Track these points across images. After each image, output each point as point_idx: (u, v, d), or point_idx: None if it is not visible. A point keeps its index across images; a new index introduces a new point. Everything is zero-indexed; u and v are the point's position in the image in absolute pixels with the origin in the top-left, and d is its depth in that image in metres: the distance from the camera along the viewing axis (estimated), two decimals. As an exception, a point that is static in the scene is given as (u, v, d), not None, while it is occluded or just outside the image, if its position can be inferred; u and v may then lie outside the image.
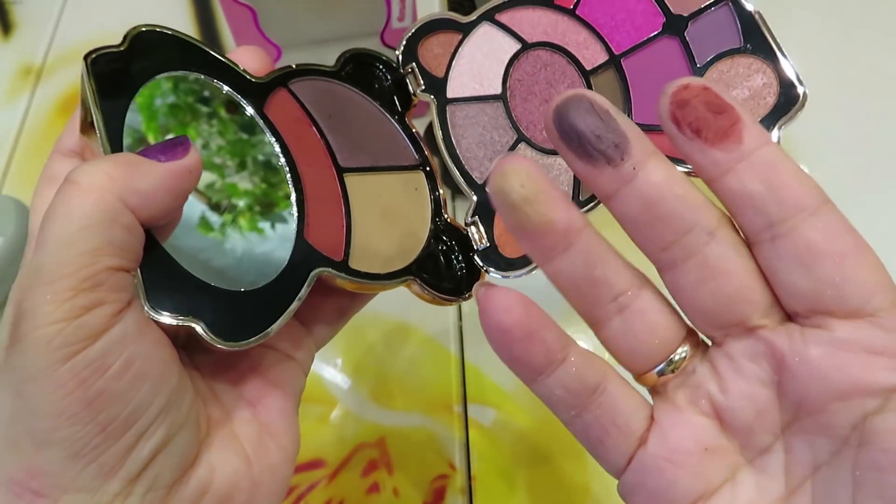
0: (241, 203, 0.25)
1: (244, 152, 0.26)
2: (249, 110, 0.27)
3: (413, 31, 0.31)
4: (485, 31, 0.30)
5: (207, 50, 0.27)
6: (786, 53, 0.26)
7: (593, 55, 0.29)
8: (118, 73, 0.25)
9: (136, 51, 0.25)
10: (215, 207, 0.25)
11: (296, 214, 0.26)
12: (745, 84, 0.26)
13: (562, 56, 0.29)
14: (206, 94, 0.26)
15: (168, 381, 0.22)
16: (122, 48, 0.25)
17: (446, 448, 0.38)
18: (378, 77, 0.31)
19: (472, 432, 0.39)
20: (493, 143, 0.29)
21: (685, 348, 0.22)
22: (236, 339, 0.23)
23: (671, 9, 0.28)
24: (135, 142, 0.24)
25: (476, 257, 0.28)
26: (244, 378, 0.25)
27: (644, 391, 0.23)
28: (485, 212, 0.28)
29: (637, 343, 0.21)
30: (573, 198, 0.28)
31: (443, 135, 0.30)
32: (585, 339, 0.24)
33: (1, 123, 0.52)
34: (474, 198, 0.29)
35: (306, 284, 0.25)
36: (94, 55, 0.24)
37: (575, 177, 0.28)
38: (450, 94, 0.30)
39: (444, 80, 0.30)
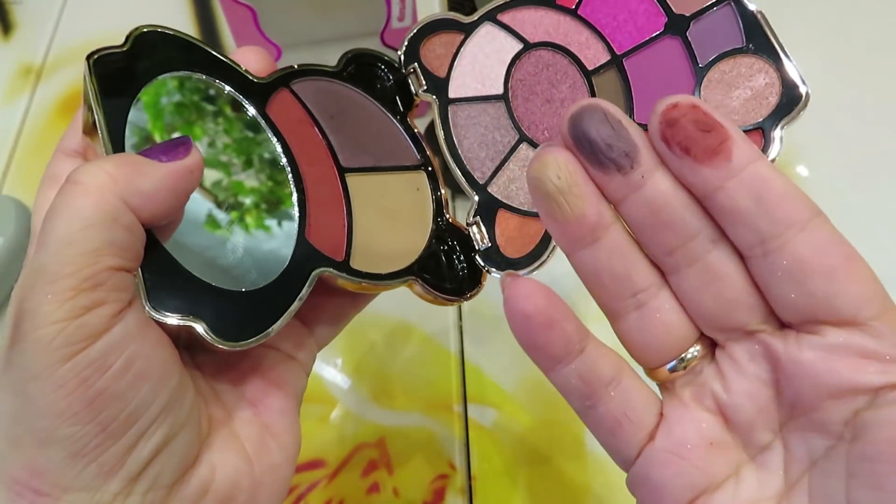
0: (248, 200, 0.26)
1: (250, 150, 0.26)
2: (251, 111, 0.27)
3: (415, 31, 0.31)
4: (487, 32, 0.30)
5: (209, 50, 0.27)
6: (788, 53, 0.26)
7: (595, 55, 0.29)
8: (120, 73, 0.25)
9: (139, 51, 0.25)
10: (222, 205, 0.25)
11: (297, 215, 0.26)
12: (747, 84, 0.26)
13: (564, 56, 0.29)
14: (212, 92, 0.26)
15: (169, 380, 0.22)
16: (124, 48, 0.25)
17: (446, 448, 0.38)
18: (380, 77, 0.31)
19: (472, 432, 0.39)
20: (495, 144, 0.29)
21: (697, 348, 0.22)
22: (236, 340, 0.23)
23: (673, 9, 0.28)
24: (141, 140, 0.24)
25: (477, 257, 0.28)
26: (246, 378, 0.25)
27: (654, 387, 0.23)
28: (486, 212, 0.28)
29: (651, 339, 0.22)
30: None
31: (444, 135, 0.30)
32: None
33: (1, 123, 0.52)
34: (476, 198, 0.29)
35: (307, 284, 0.25)
36: (96, 55, 0.24)
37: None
38: (451, 94, 0.30)
39: (446, 80, 0.30)
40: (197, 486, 0.22)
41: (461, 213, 0.30)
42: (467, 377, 0.41)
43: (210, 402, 0.24)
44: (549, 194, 0.21)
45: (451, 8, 0.49)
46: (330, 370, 0.40)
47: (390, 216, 0.29)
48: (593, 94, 0.28)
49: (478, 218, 0.28)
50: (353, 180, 0.28)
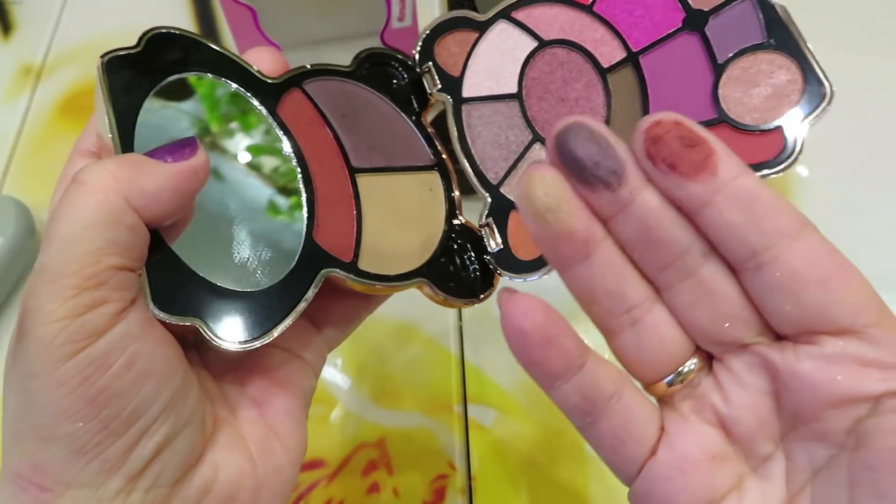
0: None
1: (259, 151, 0.27)
2: (263, 111, 0.27)
3: (430, 29, 0.30)
4: (501, 30, 0.30)
5: (222, 51, 0.27)
6: (811, 49, 0.25)
7: (611, 52, 0.28)
8: (131, 74, 0.25)
9: (150, 52, 0.25)
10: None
11: (306, 215, 0.26)
12: (768, 81, 0.25)
13: (578, 54, 0.28)
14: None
15: (171, 379, 0.22)
16: (136, 49, 0.25)
17: (446, 448, 0.38)
18: (395, 77, 0.31)
19: (472, 432, 0.39)
20: (508, 144, 0.29)
21: (694, 361, 0.22)
22: (240, 340, 0.23)
23: (691, 3, 0.27)
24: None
25: (489, 259, 0.28)
26: (252, 378, 0.25)
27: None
28: (498, 213, 0.28)
29: (647, 355, 0.22)
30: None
31: (458, 135, 0.29)
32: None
33: (1, 123, 0.52)
34: (488, 199, 0.28)
35: (313, 285, 0.25)
36: (108, 56, 0.25)
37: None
38: (465, 93, 0.30)
39: (460, 79, 0.30)
40: (199, 485, 0.23)
41: (469, 213, 0.29)
42: (467, 377, 0.40)
43: (216, 401, 0.25)
44: (538, 212, 0.21)
45: (452, 8, 0.48)
46: (330, 370, 0.40)
47: (401, 217, 0.28)
48: (608, 93, 0.28)
49: (490, 219, 0.28)
50: (363, 181, 0.28)
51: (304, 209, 0.26)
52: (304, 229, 0.26)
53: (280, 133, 0.27)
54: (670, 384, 0.22)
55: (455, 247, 0.29)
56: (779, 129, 0.25)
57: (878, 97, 0.44)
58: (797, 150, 0.24)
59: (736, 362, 0.21)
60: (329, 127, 0.28)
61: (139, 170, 0.22)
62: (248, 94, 0.27)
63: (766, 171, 0.25)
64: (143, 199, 0.22)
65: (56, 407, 0.20)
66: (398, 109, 0.30)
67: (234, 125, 0.26)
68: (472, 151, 0.29)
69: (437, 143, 0.30)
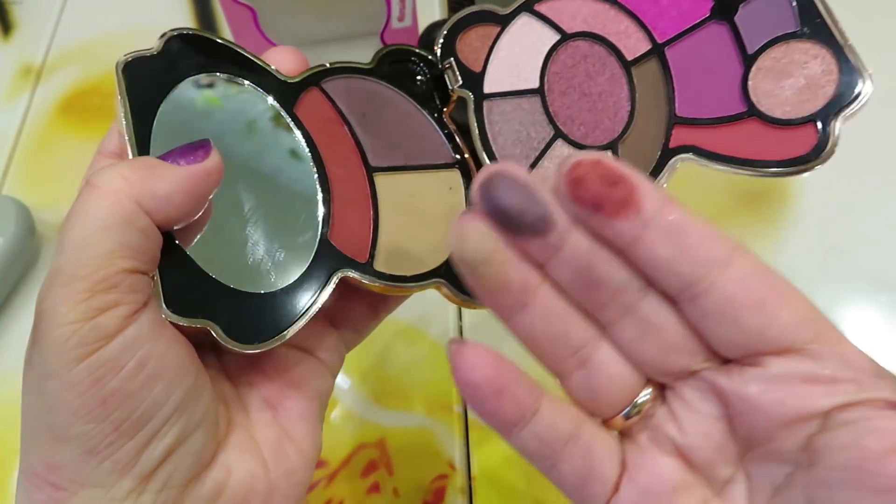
0: None
1: None
2: (281, 111, 0.27)
3: (451, 24, 0.30)
4: (524, 23, 0.29)
5: (239, 50, 0.27)
6: (847, 38, 0.23)
7: (635, 44, 0.27)
8: (149, 75, 0.25)
9: (168, 54, 0.26)
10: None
11: (321, 216, 0.26)
12: (801, 72, 0.24)
13: (602, 46, 0.27)
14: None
15: (183, 381, 0.22)
16: (154, 51, 0.25)
17: (446, 448, 0.38)
18: (416, 73, 0.30)
19: (472, 432, 0.39)
20: (530, 140, 0.28)
21: (648, 391, 0.22)
22: (251, 342, 0.23)
23: (720, -9, 0.26)
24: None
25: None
26: (268, 380, 0.25)
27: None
28: (519, 212, 0.27)
29: (599, 393, 0.22)
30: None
31: (479, 132, 0.29)
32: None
33: (1, 123, 0.52)
34: (509, 197, 0.28)
35: (327, 287, 0.25)
36: (126, 58, 0.25)
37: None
38: (487, 89, 0.29)
39: (482, 74, 0.29)
40: (211, 487, 0.23)
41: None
42: None
43: (230, 403, 0.25)
44: (470, 266, 0.21)
45: (452, 8, 0.48)
46: (330, 370, 0.40)
47: (420, 216, 0.28)
48: (632, 87, 0.26)
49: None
50: (381, 180, 0.28)
51: (320, 209, 0.26)
52: (320, 230, 0.26)
53: (298, 133, 0.27)
54: (627, 417, 0.22)
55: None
56: (812, 122, 0.23)
57: (879, 97, 0.41)
58: (832, 145, 0.23)
59: (687, 390, 0.21)
60: (347, 126, 0.28)
61: (151, 172, 0.22)
62: (264, 94, 0.27)
63: (797, 168, 0.23)
64: (154, 202, 0.22)
65: (69, 407, 0.20)
66: (419, 107, 0.30)
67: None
68: (493, 149, 0.28)
69: (458, 141, 0.29)
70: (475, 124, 0.29)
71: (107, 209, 0.21)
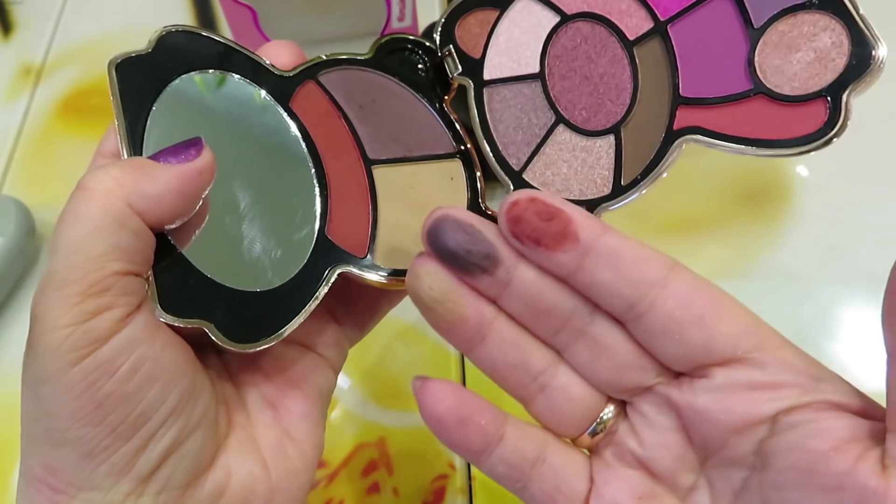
0: None
1: None
2: (276, 105, 0.27)
3: (450, 11, 0.29)
4: (523, 6, 0.28)
5: (233, 46, 0.27)
6: (859, 7, 0.22)
7: (637, 23, 0.26)
8: (142, 76, 0.25)
9: (160, 53, 0.25)
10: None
11: (318, 211, 0.26)
12: (810, 45, 0.23)
13: (603, 27, 0.26)
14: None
15: (179, 382, 0.22)
16: (147, 51, 0.25)
17: (446, 448, 0.37)
18: (415, 62, 0.30)
19: None
20: (531, 126, 0.27)
21: (610, 408, 0.23)
22: (247, 341, 0.23)
23: (724, -36, 0.24)
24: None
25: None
26: (268, 379, 0.25)
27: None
28: (521, 201, 0.27)
29: (564, 415, 0.23)
30: (614, 183, 0.25)
31: (479, 120, 0.28)
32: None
33: (1, 123, 0.52)
34: (511, 186, 0.27)
35: (324, 283, 0.24)
36: (119, 59, 0.25)
37: (616, 161, 0.25)
38: (486, 75, 0.28)
39: (481, 61, 0.28)
40: (211, 489, 0.22)
41: (491, 199, 0.28)
42: (467, 378, 0.39)
43: (231, 404, 0.24)
44: (427, 305, 0.22)
45: None
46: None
47: (420, 208, 0.27)
48: (635, 68, 0.26)
49: (476, 215, 0.26)
50: (379, 172, 0.27)
51: (317, 204, 0.26)
52: (317, 225, 0.25)
53: (293, 128, 0.26)
54: (594, 434, 0.23)
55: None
56: (822, 98, 0.22)
57: (879, 96, 0.40)
58: (843, 120, 0.22)
59: (644, 405, 0.22)
60: (344, 119, 0.28)
61: (142, 173, 0.22)
62: (259, 89, 0.26)
63: (807, 147, 0.22)
64: (146, 203, 0.22)
65: (64, 411, 0.20)
66: (419, 96, 0.29)
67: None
68: (494, 136, 0.28)
69: (459, 130, 0.29)
70: (475, 112, 0.28)
71: (98, 211, 0.21)
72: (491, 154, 0.28)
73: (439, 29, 0.29)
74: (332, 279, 0.25)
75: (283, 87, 0.27)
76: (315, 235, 0.25)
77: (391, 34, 0.30)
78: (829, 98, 0.22)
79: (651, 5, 0.26)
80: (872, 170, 0.43)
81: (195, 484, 0.22)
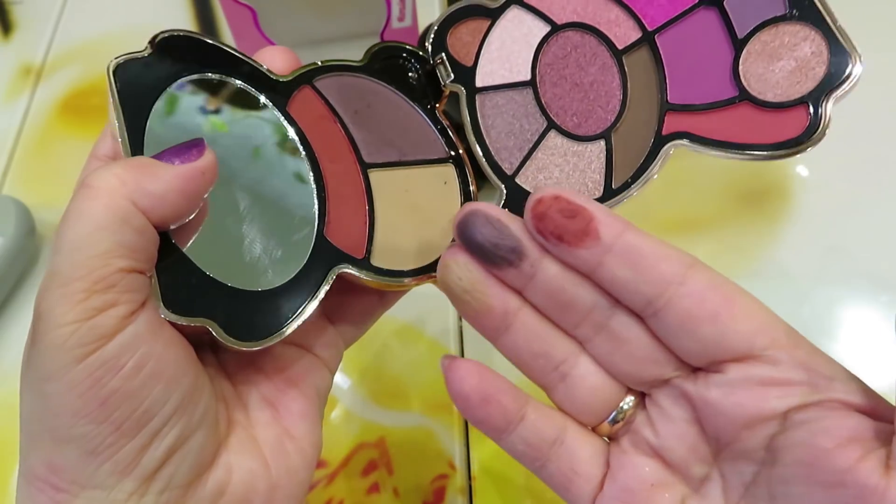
0: None
1: None
2: (274, 109, 0.27)
3: (442, 19, 0.30)
4: (514, 16, 0.29)
5: (231, 51, 0.27)
6: (836, 18, 0.23)
7: (626, 33, 0.27)
8: (141, 77, 0.25)
9: (159, 56, 0.26)
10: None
11: (317, 213, 0.26)
12: (791, 54, 0.24)
13: (593, 36, 0.27)
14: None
15: (182, 381, 0.22)
16: (146, 53, 0.25)
17: (446, 448, 0.38)
18: (408, 69, 0.30)
19: (472, 432, 0.38)
20: (523, 132, 0.28)
21: (630, 399, 0.24)
22: (249, 340, 0.23)
23: (709, -23, 0.26)
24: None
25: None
26: (267, 378, 0.25)
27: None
28: (514, 204, 0.27)
29: (584, 404, 0.24)
30: (605, 186, 0.26)
31: (472, 126, 0.29)
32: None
33: (1, 123, 0.52)
34: (504, 190, 0.28)
35: (324, 283, 0.25)
36: (118, 60, 0.25)
37: (607, 165, 0.26)
38: (479, 83, 0.29)
39: (473, 68, 0.29)
40: (213, 487, 0.23)
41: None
42: None
43: (230, 403, 0.25)
44: (456, 295, 0.24)
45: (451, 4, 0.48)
46: (329, 370, 0.40)
47: (415, 211, 0.28)
48: (624, 76, 0.27)
49: (506, 210, 0.27)
50: (376, 176, 0.28)
51: (316, 206, 0.26)
52: (316, 227, 0.26)
53: (291, 131, 0.27)
54: (613, 423, 0.24)
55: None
56: (803, 104, 0.23)
57: (880, 96, 0.41)
58: (823, 126, 0.23)
59: (662, 397, 0.23)
60: (340, 123, 0.28)
61: (145, 171, 0.22)
62: (257, 93, 0.27)
63: (790, 151, 0.23)
64: (149, 201, 0.22)
65: (69, 409, 0.20)
66: (411, 103, 0.30)
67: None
68: (487, 142, 0.28)
69: (451, 135, 0.30)
70: (468, 118, 0.29)
71: (102, 209, 0.21)
72: (483, 158, 0.28)
73: (431, 37, 0.30)
74: (332, 279, 0.25)
75: (280, 92, 0.27)
76: (314, 236, 0.26)
77: (384, 42, 0.31)
78: (809, 104, 0.23)
79: (639, 15, 0.27)
80: (872, 170, 0.43)
81: (197, 482, 0.22)
